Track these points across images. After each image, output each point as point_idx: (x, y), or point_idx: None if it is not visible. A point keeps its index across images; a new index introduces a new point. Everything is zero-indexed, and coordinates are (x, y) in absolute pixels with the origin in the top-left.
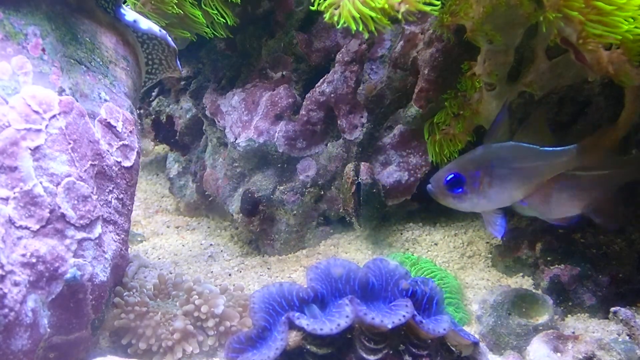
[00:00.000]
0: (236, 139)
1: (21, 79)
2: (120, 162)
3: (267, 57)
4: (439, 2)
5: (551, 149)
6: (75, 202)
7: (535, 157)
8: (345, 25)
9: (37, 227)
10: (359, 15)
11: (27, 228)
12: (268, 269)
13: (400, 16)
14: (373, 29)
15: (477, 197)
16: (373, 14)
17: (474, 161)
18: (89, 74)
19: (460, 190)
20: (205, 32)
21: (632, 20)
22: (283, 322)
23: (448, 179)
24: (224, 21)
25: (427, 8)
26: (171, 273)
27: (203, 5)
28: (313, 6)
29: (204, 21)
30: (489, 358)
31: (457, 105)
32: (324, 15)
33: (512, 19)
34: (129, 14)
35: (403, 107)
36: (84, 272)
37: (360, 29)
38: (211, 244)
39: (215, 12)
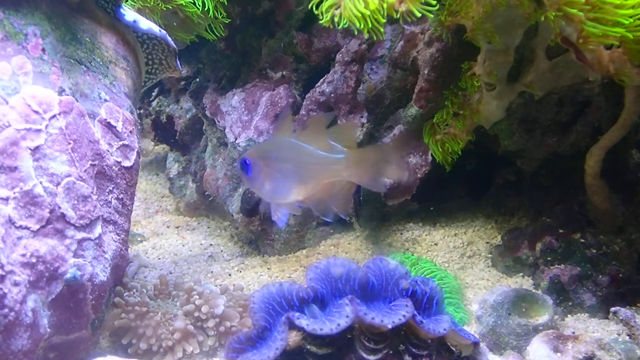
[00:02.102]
0: (236, 139)
1: (21, 79)
2: (120, 162)
3: (267, 57)
4: (436, 5)
5: (325, 154)
6: (75, 202)
7: (313, 159)
8: (346, 25)
9: (37, 227)
10: (360, 15)
11: (27, 228)
12: (268, 269)
13: (397, 16)
14: (380, 27)
15: (261, 184)
16: (373, 17)
17: (260, 151)
18: (89, 74)
19: (249, 174)
20: (203, 33)
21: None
22: (283, 322)
23: (240, 162)
24: (220, 19)
25: (419, 14)
26: (171, 273)
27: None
28: (314, 9)
29: (201, 13)
30: (489, 358)
31: (457, 105)
32: (324, 17)
33: (512, 19)
34: (129, 14)
35: (403, 107)
36: (84, 272)
37: (361, 27)
38: (211, 244)
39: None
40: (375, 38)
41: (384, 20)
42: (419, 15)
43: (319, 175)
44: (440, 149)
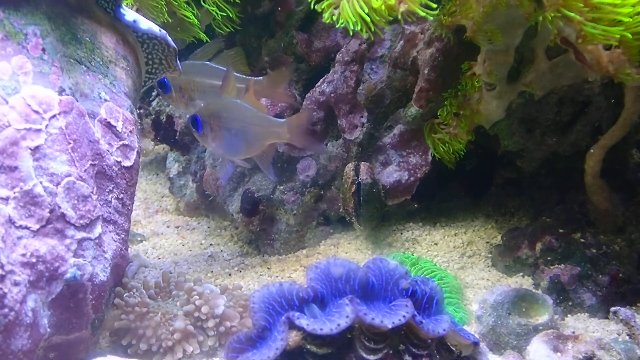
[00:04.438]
0: None
1: (21, 78)
2: (120, 161)
3: (267, 57)
4: (436, 6)
5: (268, 117)
6: (75, 202)
7: (256, 120)
8: (344, 25)
9: (37, 227)
10: (358, 16)
11: (27, 228)
12: (268, 268)
13: (400, 16)
14: (372, 28)
15: (211, 141)
16: (373, 17)
17: (209, 109)
18: (89, 74)
19: (199, 131)
20: (200, 35)
21: (631, 18)
22: (283, 322)
23: (190, 119)
24: (227, 16)
25: (422, 13)
26: (171, 273)
27: (203, 3)
28: (314, 5)
29: (198, 23)
30: (489, 358)
31: (457, 104)
32: (324, 16)
33: (512, 19)
34: (129, 14)
35: (403, 107)
36: (84, 272)
37: (359, 29)
38: (211, 244)
39: (214, 8)
40: (372, 38)
41: (388, 24)
42: (423, 14)
43: (263, 136)
44: (439, 149)
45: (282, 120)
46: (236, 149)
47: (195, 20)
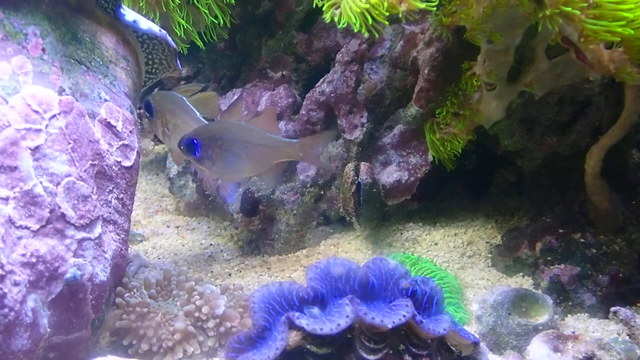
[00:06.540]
0: None
1: (21, 78)
2: (120, 161)
3: (267, 57)
4: (437, 2)
5: (278, 138)
6: (75, 202)
7: (264, 141)
8: (345, 25)
9: (37, 227)
10: (359, 11)
11: (27, 228)
12: (268, 268)
13: (400, 15)
14: (376, 24)
15: (211, 164)
16: (373, 13)
17: (209, 132)
18: (89, 74)
19: (196, 154)
20: (197, 41)
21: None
22: (283, 322)
23: (186, 142)
24: (221, 22)
25: (422, 5)
26: (172, 272)
27: (197, 3)
28: (315, 1)
29: (192, 28)
30: (489, 358)
31: (457, 104)
32: (324, 16)
33: (512, 18)
34: (129, 14)
35: (403, 106)
36: (84, 272)
37: (361, 28)
38: (211, 244)
39: (206, 10)
40: (377, 35)
41: (386, 22)
42: (423, 5)
43: (271, 156)
44: (440, 149)
45: (295, 140)
46: (238, 169)
47: (190, 26)
